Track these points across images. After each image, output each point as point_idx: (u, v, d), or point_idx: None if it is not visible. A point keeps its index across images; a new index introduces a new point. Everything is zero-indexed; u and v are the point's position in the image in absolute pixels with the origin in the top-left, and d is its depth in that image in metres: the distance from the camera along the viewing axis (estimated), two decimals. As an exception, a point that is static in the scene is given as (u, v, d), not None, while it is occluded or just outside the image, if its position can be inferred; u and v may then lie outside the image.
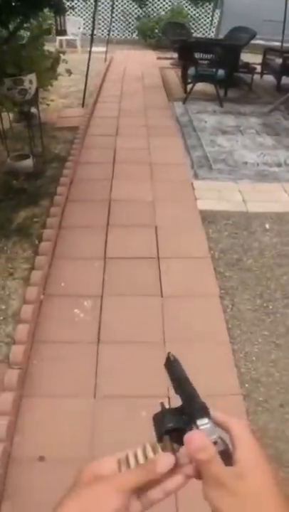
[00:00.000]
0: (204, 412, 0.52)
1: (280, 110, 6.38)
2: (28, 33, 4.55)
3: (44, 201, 3.55)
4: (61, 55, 4.96)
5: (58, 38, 10.65)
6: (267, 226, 3.38)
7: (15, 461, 1.78)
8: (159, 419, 0.56)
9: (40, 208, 3.48)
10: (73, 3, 10.27)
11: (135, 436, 1.82)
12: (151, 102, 6.22)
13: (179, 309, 2.56)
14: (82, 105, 5.84)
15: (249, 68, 7.68)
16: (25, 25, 4.15)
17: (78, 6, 11.52)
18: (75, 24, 11.25)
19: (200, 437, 0.49)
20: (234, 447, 0.50)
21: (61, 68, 5.01)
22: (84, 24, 11.76)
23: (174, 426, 0.53)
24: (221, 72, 6.58)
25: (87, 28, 10.99)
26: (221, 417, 0.54)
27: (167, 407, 0.57)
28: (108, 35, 10.71)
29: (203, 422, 0.51)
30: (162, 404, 0.58)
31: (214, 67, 6.47)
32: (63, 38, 10.84)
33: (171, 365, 0.61)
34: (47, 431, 1.89)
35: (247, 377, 2.25)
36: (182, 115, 5.73)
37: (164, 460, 0.50)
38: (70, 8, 6.46)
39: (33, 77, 3.85)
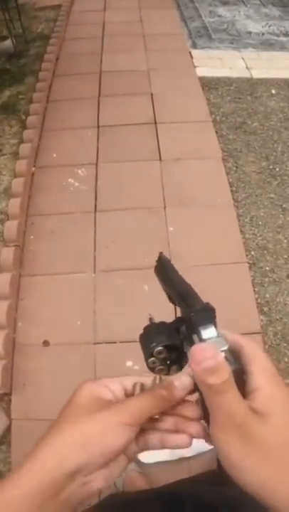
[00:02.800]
0: (210, 316, 0.38)
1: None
2: None
3: (29, 79, 3.28)
4: None
5: None
6: (273, 91, 3.13)
7: (20, 348, 1.72)
8: (146, 336, 0.42)
9: (25, 85, 3.22)
10: None
11: (138, 311, 1.78)
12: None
13: (180, 173, 2.44)
14: None
15: None
16: None
17: None
18: None
19: (210, 353, 0.35)
20: (249, 374, 0.37)
21: None
22: None
23: (166, 343, 0.40)
24: None
25: None
26: (228, 333, 0.39)
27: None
28: None
29: (209, 332, 0.37)
30: (151, 317, 0.45)
31: None
32: None
33: (163, 266, 0.47)
34: (49, 313, 1.83)
35: (253, 244, 2.16)
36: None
37: (183, 380, 0.37)
38: None
39: None
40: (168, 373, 0.42)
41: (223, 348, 0.36)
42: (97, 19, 4.07)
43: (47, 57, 3.44)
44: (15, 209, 2.22)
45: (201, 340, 0.37)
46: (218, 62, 3.40)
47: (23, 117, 2.88)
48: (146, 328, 0.44)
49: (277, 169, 2.56)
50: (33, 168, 2.53)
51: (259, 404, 0.35)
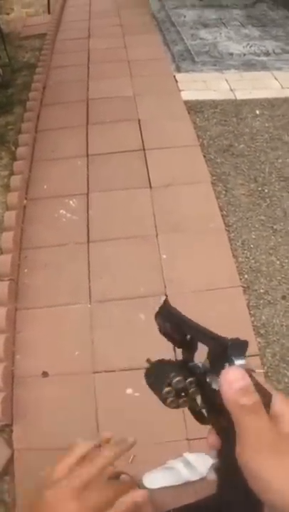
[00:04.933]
0: (243, 347, 0.39)
1: (264, 2, 5.80)
2: None
3: (17, 108, 3.26)
4: None
5: None
6: (257, 112, 3.15)
7: (19, 379, 1.71)
8: (159, 367, 0.44)
9: (13, 115, 3.21)
10: None
11: (135, 339, 1.75)
12: (124, 1, 5.62)
13: (170, 199, 2.42)
14: (48, 11, 5.27)
15: None
16: None
17: None
18: None
19: (242, 374, 0.36)
20: (272, 404, 0.38)
21: None
22: None
23: (185, 373, 0.42)
24: None
25: None
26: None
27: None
28: None
29: (241, 361, 0.38)
30: (148, 359, 0.47)
31: None
32: None
33: (170, 310, 0.47)
34: (47, 344, 1.81)
35: (246, 267, 2.14)
36: (159, 11, 5.18)
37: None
38: None
39: None
40: (177, 406, 0.42)
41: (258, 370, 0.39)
42: (82, 47, 4.09)
43: (34, 86, 3.43)
44: (8, 243, 2.18)
45: (232, 365, 0.38)
46: (202, 85, 3.42)
47: (13, 148, 2.86)
48: (153, 364, 0.46)
49: (266, 190, 2.56)
50: (25, 201, 2.50)
51: (286, 426, 0.35)
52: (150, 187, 2.47)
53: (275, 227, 2.37)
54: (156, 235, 2.22)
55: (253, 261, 2.20)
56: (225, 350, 0.38)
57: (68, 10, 5.38)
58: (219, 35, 4.55)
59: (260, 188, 2.57)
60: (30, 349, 1.80)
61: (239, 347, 0.39)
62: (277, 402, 0.37)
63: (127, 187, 2.48)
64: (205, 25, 4.79)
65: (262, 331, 1.92)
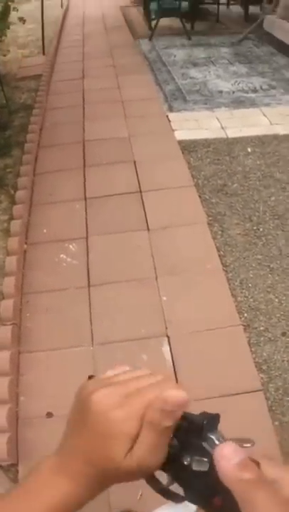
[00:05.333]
0: (217, 421, 0.38)
1: (250, 39, 6.04)
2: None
3: (15, 151, 3.33)
4: (10, 3, 4.55)
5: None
6: (249, 150, 3.24)
7: (24, 420, 1.71)
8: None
9: (12, 158, 3.27)
10: None
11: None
12: (115, 42, 5.82)
13: (168, 241, 2.45)
14: (43, 53, 5.44)
15: (214, -2, 7.22)
16: None
17: None
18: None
19: (235, 450, 0.34)
20: (264, 470, 0.37)
21: (13, 16, 4.61)
22: None
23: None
24: (184, 4, 6.16)
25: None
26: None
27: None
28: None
29: (220, 435, 0.37)
30: None
31: (177, -1, 6.05)
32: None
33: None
34: (50, 386, 1.82)
35: (245, 306, 2.17)
36: (150, 52, 5.38)
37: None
38: None
39: None
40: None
41: (246, 445, 0.37)
42: (77, 87, 4.21)
43: (31, 128, 3.51)
44: (10, 288, 2.20)
45: (219, 441, 0.36)
46: (194, 124, 3.52)
47: (12, 191, 2.90)
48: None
49: (261, 229, 2.60)
50: (25, 245, 2.52)
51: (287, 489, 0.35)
52: (148, 229, 2.51)
53: (271, 265, 2.41)
54: (156, 278, 2.25)
55: (251, 300, 2.23)
56: (200, 429, 0.37)
57: (62, 51, 5.56)
58: (208, 74, 4.71)
59: (255, 227, 2.61)
60: (35, 391, 1.81)
61: (213, 422, 0.38)
62: (269, 468, 0.36)
63: (126, 230, 2.52)
64: (194, 64, 4.96)
65: (264, 367, 1.94)
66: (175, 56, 5.26)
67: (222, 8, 7.40)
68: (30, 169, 3.02)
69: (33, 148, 3.22)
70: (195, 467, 0.37)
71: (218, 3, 7.20)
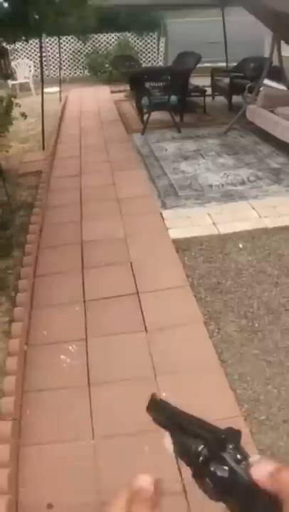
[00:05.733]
0: (237, 437, 0.46)
1: (235, 129, 6.67)
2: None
3: (16, 251, 3.57)
4: (13, 99, 5.09)
5: (11, 82, 10.92)
6: (240, 245, 3.49)
7: (24, 511, 1.77)
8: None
9: (12, 259, 3.49)
10: (17, 46, 10.59)
11: (140, 470, 1.80)
12: (110, 137, 6.41)
13: (166, 341, 2.59)
14: (43, 148, 5.96)
15: (200, 91, 8.04)
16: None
17: (26, 48, 11.87)
18: (24, 67, 11.60)
19: (271, 468, 0.43)
20: None
21: (15, 112, 5.13)
22: (34, 66, 12.07)
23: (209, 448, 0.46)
24: (173, 98, 6.89)
25: (38, 70, 11.32)
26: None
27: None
28: (59, 74, 11.04)
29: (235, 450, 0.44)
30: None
31: (166, 94, 6.76)
32: (16, 82, 11.11)
33: (161, 405, 0.54)
34: (51, 478, 1.89)
35: (245, 398, 2.29)
36: (142, 146, 5.92)
37: None
38: (14, 50, 6.73)
39: None
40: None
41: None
42: (75, 184, 4.60)
43: (32, 228, 3.78)
44: (10, 386, 2.33)
45: (247, 457, 0.44)
46: (187, 222, 3.81)
47: (13, 293, 3.07)
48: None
49: (257, 325, 2.75)
50: (26, 346, 2.64)
51: None
52: (146, 330, 2.65)
53: (268, 359, 2.54)
54: (155, 376, 2.36)
55: (250, 391, 2.34)
56: (222, 442, 0.45)
57: (61, 146, 6.09)
58: (198, 167, 5.15)
59: (250, 323, 2.77)
60: (35, 482, 1.87)
61: (234, 437, 0.45)
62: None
63: (124, 331, 2.67)
64: (185, 158, 5.44)
65: (268, 453, 1.99)
66: (166, 150, 5.77)
67: (208, 99, 8.21)
68: (30, 271, 3.22)
69: (33, 250, 3.46)
70: (219, 473, 0.44)
71: (204, 95, 8.01)
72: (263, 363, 2.52)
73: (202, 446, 0.46)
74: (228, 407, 2.18)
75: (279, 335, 2.70)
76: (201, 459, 0.46)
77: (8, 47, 5.66)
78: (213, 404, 2.18)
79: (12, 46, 5.83)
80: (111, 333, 2.67)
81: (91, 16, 4.73)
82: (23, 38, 4.26)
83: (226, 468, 0.44)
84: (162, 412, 0.52)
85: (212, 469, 0.45)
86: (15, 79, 11.07)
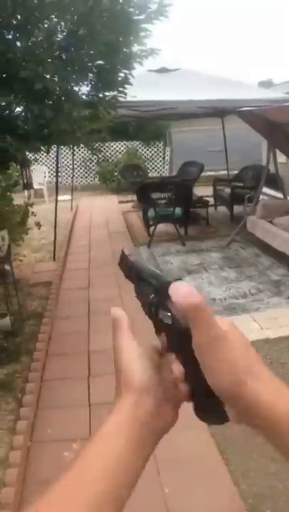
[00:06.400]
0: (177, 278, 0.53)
1: (236, 241, 7.45)
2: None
3: (24, 357, 4.06)
4: (29, 207, 5.89)
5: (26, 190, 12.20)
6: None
7: None
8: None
9: (20, 364, 3.97)
10: (37, 155, 12.00)
11: None
12: (117, 249, 7.13)
13: (169, 441, 2.86)
14: (54, 258, 6.73)
15: (203, 202, 9.03)
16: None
17: (41, 156, 13.43)
18: (40, 173, 13.06)
19: (186, 286, 0.50)
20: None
21: (30, 220, 5.90)
22: (48, 172, 13.59)
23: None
24: (178, 210, 7.77)
25: (52, 177, 12.78)
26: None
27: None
28: (72, 182, 12.41)
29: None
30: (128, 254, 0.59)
31: (171, 205, 7.66)
32: (31, 189, 12.42)
33: (127, 261, 0.58)
34: None
35: (249, 493, 2.52)
36: (148, 259, 6.69)
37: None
38: (34, 160, 7.85)
39: (4, 233, 4.47)
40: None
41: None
42: (83, 296, 5.22)
43: (41, 336, 4.30)
44: (12, 478, 2.61)
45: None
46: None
47: (19, 395, 3.49)
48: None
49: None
50: (29, 442, 2.99)
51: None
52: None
53: (272, 455, 2.80)
54: (158, 473, 2.62)
55: (255, 487, 2.56)
56: (167, 288, 0.51)
57: (71, 257, 6.86)
58: (202, 281, 5.81)
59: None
60: None
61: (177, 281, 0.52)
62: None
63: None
64: (189, 272, 6.13)
65: None
66: (171, 263, 6.51)
67: (210, 209, 9.19)
68: (37, 376, 3.68)
69: (41, 357, 3.95)
70: (165, 320, 0.52)
71: (207, 207, 8.99)
72: (268, 459, 2.77)
73: (152, 295, 0.53)
74: (233, 502, 2.43)
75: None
76: (152, 308, 0.53)
77: (30, 157, 6.67)
78: (219, 500, 2.45)
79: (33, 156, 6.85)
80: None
81: (104, 128, 5.66)
82: (45, 148, 5.10)
83: (169, 314, 0.50)
84: (127, 267, 0.59)
85: (160, 317, 0.52)
86: (31, 187, 12.32)
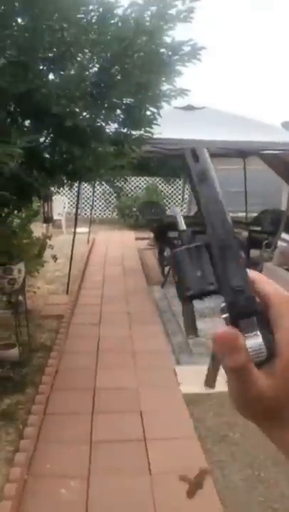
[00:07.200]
0: (250, 311, 0.46)
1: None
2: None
3: (29, 389, 4.32)
4: (47, 240, 6.25)
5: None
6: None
7: None
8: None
9: (25, 395, 4.22)
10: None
11: None
12: (131, 287, 7.56)
13: (169, 486, 3.09)
14: (67, 292, 7.08)
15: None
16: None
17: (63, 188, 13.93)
18: (60, 204, 13.56)
19: (231, 336, 0.46)
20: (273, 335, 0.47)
21: (47, 252, 6.24)
22: (68, 203, 14.14)
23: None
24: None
25: (71, 208, 13.22)
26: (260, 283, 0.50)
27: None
28: (90, 214, 12.94)
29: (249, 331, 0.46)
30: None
31: (187, 246, 7.89)
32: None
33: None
34: None
35: None
36: (161, 300, 6.98)
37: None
38: (56, 192, 8.29)
39: (22, 265, 4.73)
40: None
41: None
42: (93, 332, 5.52)
43: (48, 370, 4.59)
44: (5, 510, 2.74)
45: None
46: (199, 378, 4.55)
47: (21, 426, 3.72)
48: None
49: (263, 475, 3.27)
50: (26, 476, 3.19)
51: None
52: (150, 474, 3.19)
53: (274, 506, 3.00)
54: None
55: None
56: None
57: (84, 291, 7.20)
58: (213, 325, 6.03)
59: (256, 473, 3.29)
60: None
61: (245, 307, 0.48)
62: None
63: (127, 473, 3.22)
64: (201, 315, 6.37)
65: None
66: (185, 306, 6.76)
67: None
68: (41, 409, 3.93)
69: (46, 390, 4.22)
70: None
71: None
72: (269, 509, 2.97)
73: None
74: None
75: (286, 483, 3.16)
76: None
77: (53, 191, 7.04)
78: None
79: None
80: (114, 475, 3.21)
81: (126, 164, 6.01)
82: (68, 184, 5.44)
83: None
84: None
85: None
86: (52, 220, 12.53)
